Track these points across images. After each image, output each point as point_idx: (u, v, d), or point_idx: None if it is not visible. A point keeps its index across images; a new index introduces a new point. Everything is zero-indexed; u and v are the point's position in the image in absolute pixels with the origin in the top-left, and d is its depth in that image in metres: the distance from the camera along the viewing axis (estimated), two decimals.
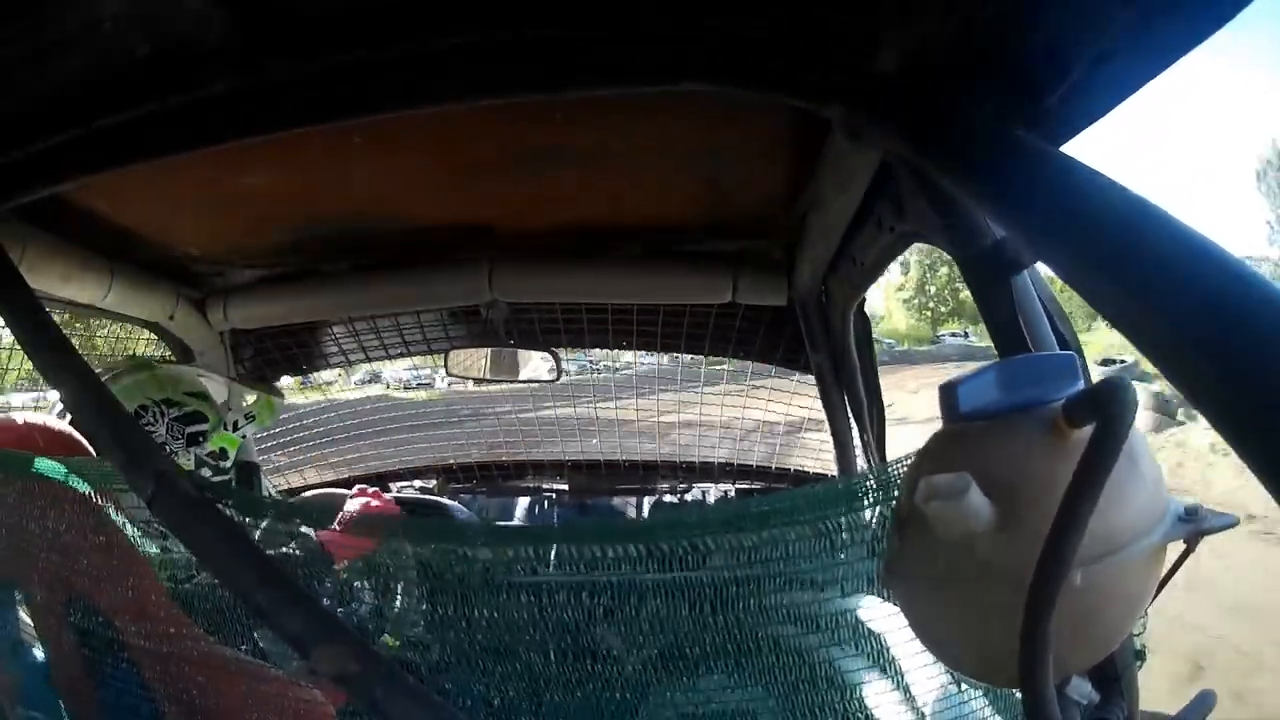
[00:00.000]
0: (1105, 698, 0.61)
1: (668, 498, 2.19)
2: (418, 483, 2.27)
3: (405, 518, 1.25)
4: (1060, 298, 0.79)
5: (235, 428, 1.46)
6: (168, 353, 1.76)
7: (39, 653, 0.87)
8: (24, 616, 0.88)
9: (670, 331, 1.95)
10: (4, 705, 0.87)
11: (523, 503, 2.23)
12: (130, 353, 1.77)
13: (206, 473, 1.39)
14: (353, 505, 1.02)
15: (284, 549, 0.84)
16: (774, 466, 2.22)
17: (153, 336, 1.74)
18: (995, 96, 0.60)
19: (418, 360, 2.40)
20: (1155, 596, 0.48)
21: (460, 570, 0.78)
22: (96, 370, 1.32)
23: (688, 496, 2.20)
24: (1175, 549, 0.47)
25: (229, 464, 1.44)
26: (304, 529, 0.83)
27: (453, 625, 0.79)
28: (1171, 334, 0.40)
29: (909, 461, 0.55)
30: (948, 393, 0.46)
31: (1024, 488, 0.43)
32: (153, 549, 0.85)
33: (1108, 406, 0.40)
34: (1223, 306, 0.38)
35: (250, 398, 1.49)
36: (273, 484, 2.14)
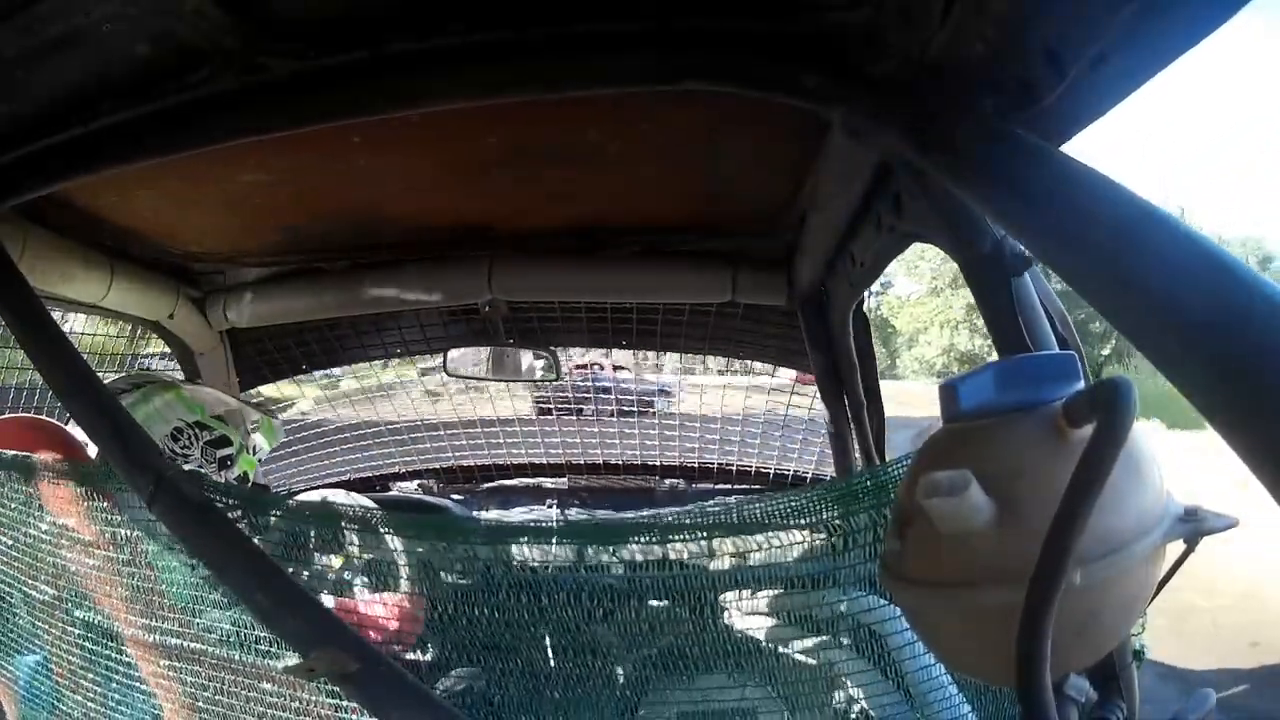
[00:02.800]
0: (1103, 696, 0.61)
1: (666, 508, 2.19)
2: (417, 483, 2.27)
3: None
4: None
5: (253, 451, 1.47)
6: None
7: (41, 650, 0.87)
8: (27, 614, 0.88)
9: (670, 331, 1.95)
10: (5, 703, 0.87)
11: (520, 509, 2.23)
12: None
13: None
14: None
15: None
16: (774, 468, 2.22)
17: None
18: (995, 96, 0.60)
19: None
20: (1155, 596, 0.48)
21: (460, 568, 0.79)
22: (111, 380, 1.32)
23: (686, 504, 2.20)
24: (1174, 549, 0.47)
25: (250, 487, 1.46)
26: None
27: (452, 623, 0.80)
28: (1170, 333, 0.40)
29: (908, 462, 0.55)
30: (949, 391, 0.46)
31: (1024, 486, 0.43)
32: (154, 548, 0.85)
33: (1108, 406, 0.40)
34: (1221, 306, 0.38)
35: (255, 418, 1.50)
36: (273, 486, 2.14)
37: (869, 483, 0.80)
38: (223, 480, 1.35)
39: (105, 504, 0.83)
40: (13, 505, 0.86)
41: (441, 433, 2.38)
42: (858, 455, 1.64)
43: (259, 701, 0.79)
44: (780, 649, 0.79)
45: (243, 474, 1.42)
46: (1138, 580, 0.45)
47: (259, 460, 1.51)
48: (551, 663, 0.79)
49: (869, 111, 0.70)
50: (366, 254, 1.58)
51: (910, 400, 8.95)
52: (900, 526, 0.50)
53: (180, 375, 1.73)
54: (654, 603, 0.76)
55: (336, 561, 0.91)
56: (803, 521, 0.76)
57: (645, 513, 2.10)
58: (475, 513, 2.11)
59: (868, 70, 0.70)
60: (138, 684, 0.82)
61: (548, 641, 0.79)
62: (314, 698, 0.77)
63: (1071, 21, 0.53)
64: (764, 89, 0.72)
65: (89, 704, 0.84)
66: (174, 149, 0.81)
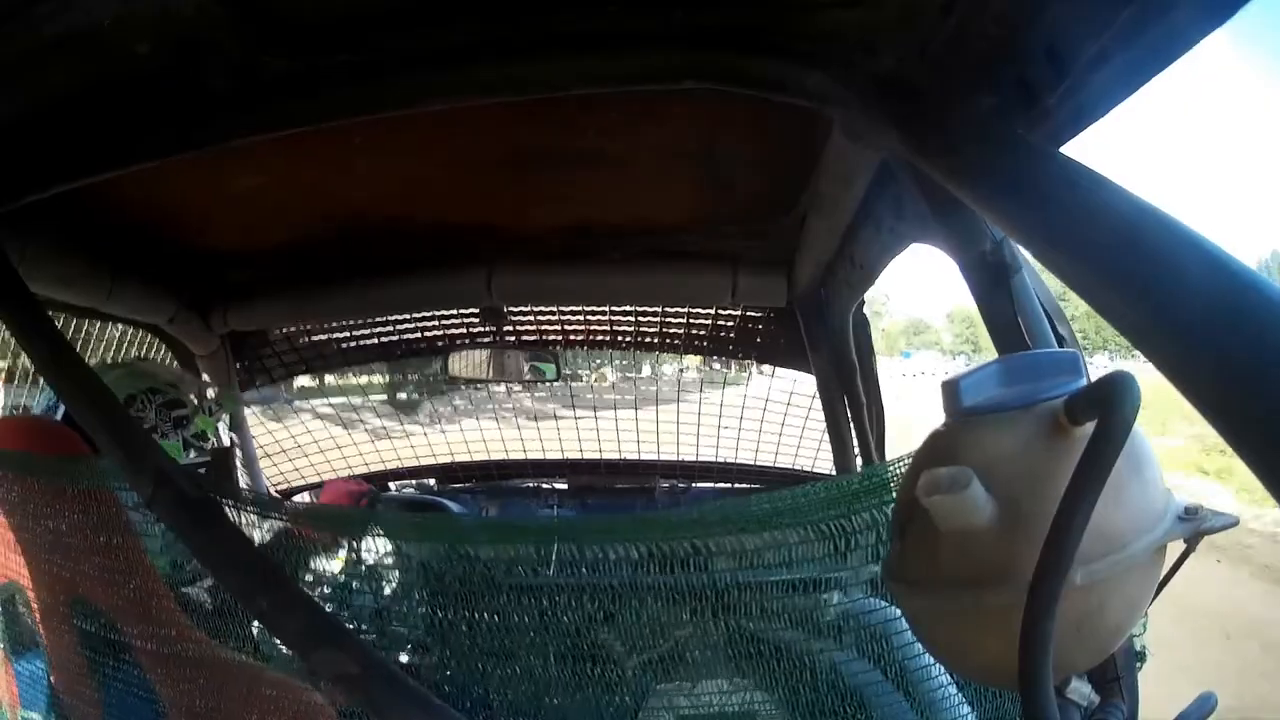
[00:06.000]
0: (1105, 699, 0.61)
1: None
2: (416, 482, 2.27)
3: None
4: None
5: (210, 412, 1.48)
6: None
7: (39, 654, 0.87)
8: (26, 617, 0.88)
9: (670, 332, 1.95)
10: (4, 706, 0.87)
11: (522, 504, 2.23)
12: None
13: (193, 454, 1.43)
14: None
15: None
16: (774, 466, 2.22)
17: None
18: (995, 96, 0.60)
19: None
20: (1156, 596, 0.48)
21: (461, 570, 0.78)
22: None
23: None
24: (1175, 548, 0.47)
25: (209, 445, 1.49)
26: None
27: (453, 626, 0.79)
28: (1170, 334, 0.40)
29: (909, 461, 0.55)
30: (950, 388, 0.46)
31: (1025, 484, 0.42)
32: (157, 551, 0.85)
33: (1109, 403, 0.40)
34: (1222, 307, 0.38)
35: (209, 385, 1.53)
36: (271, 483, 2.13)
37: (869, 482, 0.80)
38: (178, 438, 1.37)
39: (106, 504, 0.83)
40: (13, 505, 0.86)
41: (440, 431, 2.38)
42: (857, 454, 1.64)
43: (260, 703, 0.79)
44: (781, 650, 0.79)
45: (201, 432, 1.43)
46: (1139, 580, 0.44)
47: (217, 421, 1.52)
48: (551, 665, 0.79)
49: (869, 112, 0.70)
50: (367, 256, 1.58)
51: None
52: (901, 526, 0.50)
53: None
54: (654, 604, 0.76)
55: (336, 564, 0.91)
56: (803, 521, 0.76)
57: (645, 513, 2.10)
58: (475, 512, 2.10)
59: (868, 70, 0.70)
60: (137, 687, 0.81)
61: (547, 644, 0.79)
62: (314, 701, 0.77)
63: (1071, 21, 0.53)
64: (764, 89, 0.72)
65: (88, 707, 0.84)
66: (174, 149, 0.80)
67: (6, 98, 0.73)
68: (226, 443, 1.78)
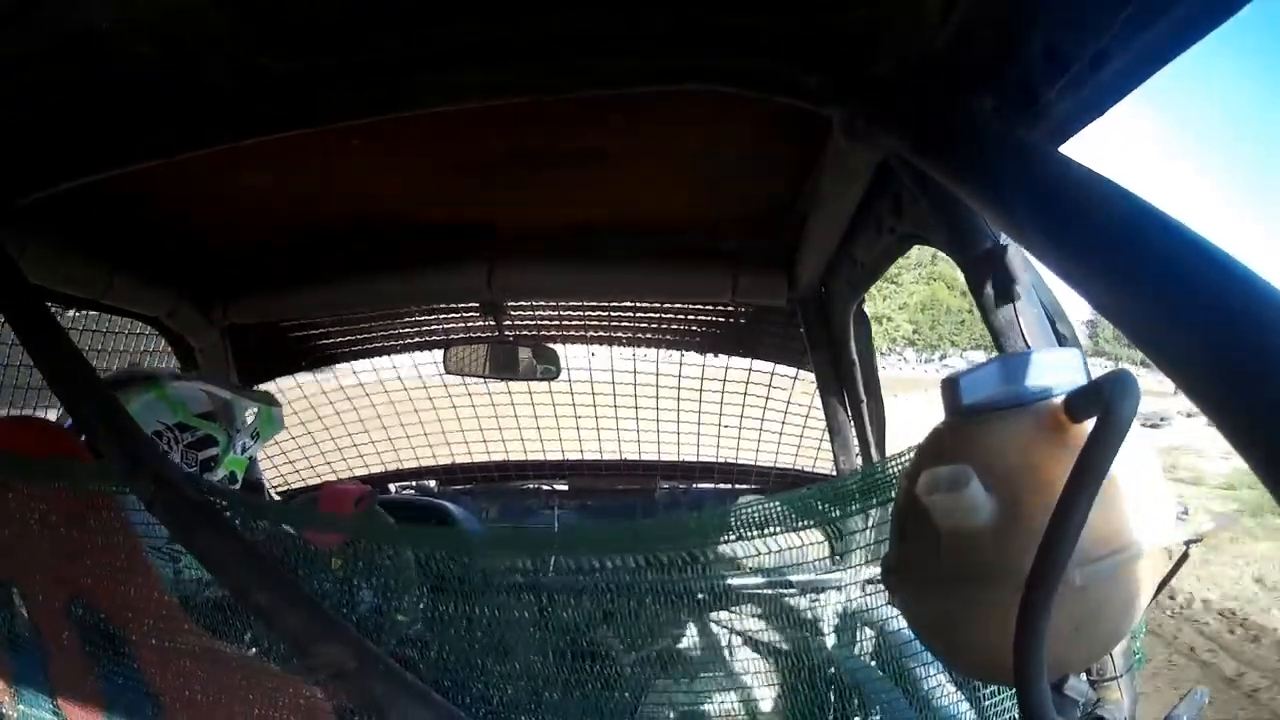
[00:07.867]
0: (1104, 698, 0.61)
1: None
2: (416, 483, 2.27)
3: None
4: None
5: (243, 450, 1.43)
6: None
7: (37, 650, 0.87)
8: (22, 612, 0.88)
9: (670, 330, 1.95)
10: (4, 703, 0.87)
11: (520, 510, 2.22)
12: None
13: None
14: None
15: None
16: (775, 466, 2.22)
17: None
18: (995, 96, 0.60)
19: None
20: (1155, 597, 0.48)
21: (460, 573, 0.79)
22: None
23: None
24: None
25: (238, 487, 1.42)
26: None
27: (452, 624, 0.80)
28: (1171, 334, 0.40)
29: (908, 459, 0.55)
30: (950, 386, 0.46)
31: (1025, 481, 0.43)
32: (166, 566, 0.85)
33: (1109, 400, 0.40)
34: (1222, 306, 0.38)
35: (251, 411, 1.46)
36: (271, 485, 2.13)
37: (869, 481, 0.80)
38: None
39: (105, 504, 0.83)
40: (15, 506, 0.86)
41: (441, 432, 2.37)
42: (858, 454, 1.64)
43: (260, 700, 0.79)
44: (780, 649, 0.79)
45: (230, 474, 1.37)
46: (1137, 581, 0.44)
47: (249, 459, 1.47)
48: (550, 664, 0.79)
49: (868, 112, 0.70)
50: (367, 250, 1.58)
51: None
52: (901, 524, 0.50)
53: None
54: (652, 606, 0.76)
55: (336, 562, 0.91)
56: (803, 522, 0.76)
57: (647, 517, 2.10)
58: (475, 515, 2.10)
59: (867, 70, 0.70)
60: (136, 681, 0.82)
61: (546, 641, 0.79)
62: (312, 695, 0.77)
63: (1071, 21, 0.53)
64: (764, 89, 0.72)
65: (88, 701, 0.84)
66: (174, 151, 0.81)
67: (7, 97, 0.73)
68: (257, 476, 1.70)
